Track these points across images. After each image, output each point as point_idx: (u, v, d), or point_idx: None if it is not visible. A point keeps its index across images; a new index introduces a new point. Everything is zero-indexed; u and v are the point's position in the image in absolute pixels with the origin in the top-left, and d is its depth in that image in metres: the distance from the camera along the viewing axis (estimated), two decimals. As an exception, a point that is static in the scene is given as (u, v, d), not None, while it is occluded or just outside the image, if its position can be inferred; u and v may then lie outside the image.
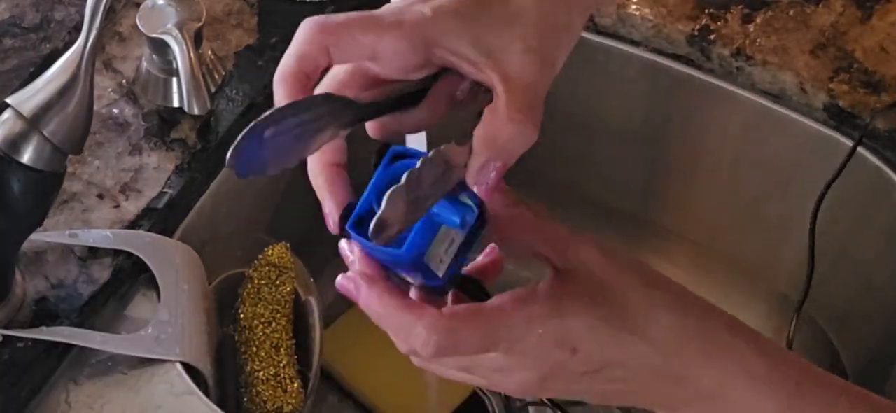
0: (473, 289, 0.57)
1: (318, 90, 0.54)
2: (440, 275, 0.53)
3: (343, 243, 0.56)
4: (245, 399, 0.87)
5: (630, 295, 0.55)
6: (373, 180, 0.53)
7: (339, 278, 0.55)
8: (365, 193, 0.54)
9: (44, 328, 0.79)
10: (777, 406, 0.55)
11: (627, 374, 0.55)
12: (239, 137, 0.48)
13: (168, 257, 0.85)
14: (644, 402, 0.57)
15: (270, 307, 0.90)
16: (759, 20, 1.06)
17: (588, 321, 0.54)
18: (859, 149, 1.00)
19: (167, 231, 0.88)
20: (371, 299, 0.53)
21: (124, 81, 0.96)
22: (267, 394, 0.86)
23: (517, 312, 0.53)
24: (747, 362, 0.55)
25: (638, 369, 0.55)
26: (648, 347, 0.54)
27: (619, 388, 0.56)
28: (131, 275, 0.85)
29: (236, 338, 0.90)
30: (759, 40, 1.05)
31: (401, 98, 0.54)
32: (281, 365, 0.87)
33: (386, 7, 0.53)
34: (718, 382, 0.55)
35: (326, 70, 0.55)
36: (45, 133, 0.71)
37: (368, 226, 0.49)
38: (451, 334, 0.52)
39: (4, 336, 0.78)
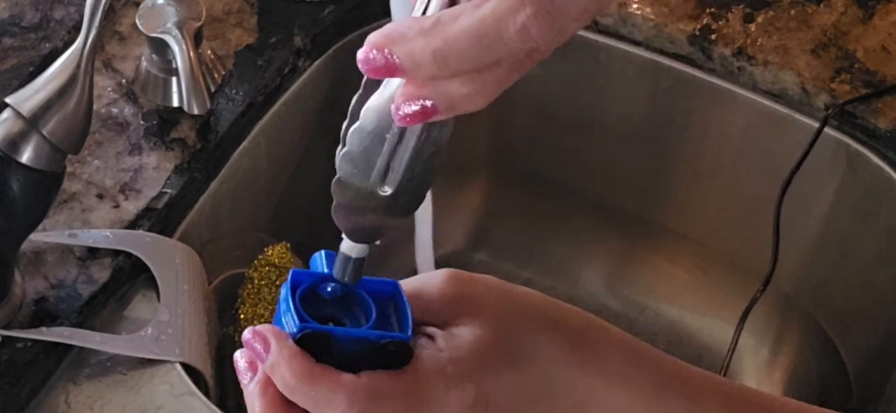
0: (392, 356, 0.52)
1: None
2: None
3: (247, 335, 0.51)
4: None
5: (519, 327, 0.55)
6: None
7: (237, 353, 0.51)
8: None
9: (43, 328, 0.79)
10: (645, 403, 0.55)
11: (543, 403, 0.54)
12: None
13: (168, 257, 0.85)
14: None
15: (270, 307, 0.90)
16: (760, 20, 1.06)
17: (496, 369, 0.53)
18: (861, 148, 1.00)
19: (167, 231, 0.88)
20: (281, 357, 0.49)
21: (124, 81, 0.96)
22: (267, 394, 0.86)
23: (436, 377, 0.51)
24: (608, 363, 0.55)
25: (543, 394, 0.54)
26: (538, 369, 0.54)
27: None
28: (131, 275, 0.85)
29: (236, 338, 0.89)
30: (760, 40, 1.04)
31: None
32: (281, 365, 0.87)
33: None
34: (587, 390, 0.55)
35: None
36: (44, 133, 0.71)
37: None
38: (374, 401, 0.49)
39: (4, 336, 0.78)
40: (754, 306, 1.16)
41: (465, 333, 0.53)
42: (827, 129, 1.01)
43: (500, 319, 0.54)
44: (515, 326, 0.54)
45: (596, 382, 0.55)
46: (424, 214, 0.84)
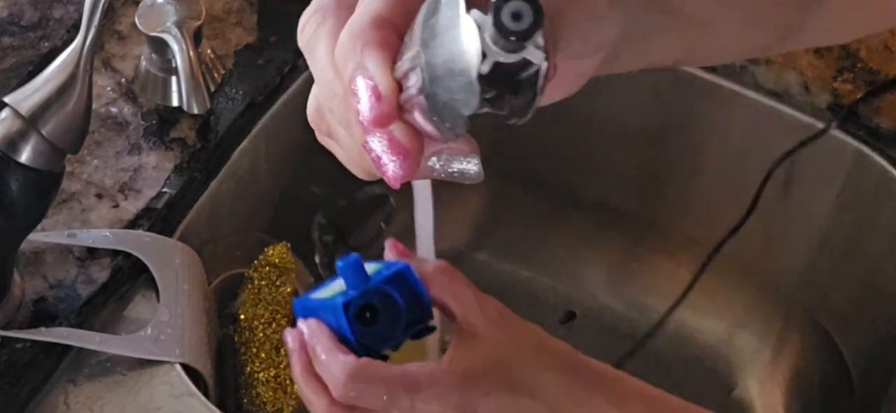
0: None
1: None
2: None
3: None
4: (245, 400, 0.87)
5: (524, 359, 0.63)
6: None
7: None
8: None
9: (42, 329, 0.79)
10: None
11: None
12: None
13: (168, 257, 0.85)
14: None
15: (271, 308, 0.89)
16: (761, 19, 1.06)
17: (487, 389, 0.62)
18: (865, 149, 0.99)
19: (167, 231, 0.88)
20: (309, 326, 0.65)
21: (123, 80, 0.95)
22: (267, 395, 0.86)
23: (425, 379, 0.61)
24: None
25: None
26: (541, 406, 0.62)
27: None
28: (131, 275, 0.84)
29: (236, 339, 0.89)
30: (762, 39, 1.04)
31: None
32: (281, 366, 0.87)
33: None
34: None
35: None
36: (43, 132, 0.71)
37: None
38: (360, 381, 0.61)
39: (3, 337, 0.78)
40: (755, 306, 1.16)
41: (465, 351, 0.62)
42: (830, 128, 1.01)
43: (505, 349, 0.63)
44: (528, 359, 0.63)
45: None
46: (426, 214, 0.84)
